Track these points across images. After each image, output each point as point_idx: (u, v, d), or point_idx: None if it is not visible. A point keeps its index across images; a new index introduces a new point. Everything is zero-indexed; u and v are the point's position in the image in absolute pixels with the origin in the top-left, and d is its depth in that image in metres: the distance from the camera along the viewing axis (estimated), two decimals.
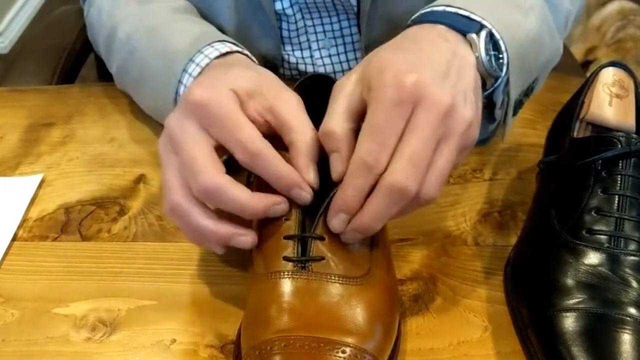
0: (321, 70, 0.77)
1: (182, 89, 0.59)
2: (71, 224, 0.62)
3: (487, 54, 0.50)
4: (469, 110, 0.46)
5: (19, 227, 0.62)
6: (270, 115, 0.49)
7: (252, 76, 0.51)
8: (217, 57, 0.58)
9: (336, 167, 0.47)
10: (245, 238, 0.48)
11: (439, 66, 0.47)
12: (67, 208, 0.64)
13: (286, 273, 0.46)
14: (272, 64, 0.78)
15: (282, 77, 0.79)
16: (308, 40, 0.76)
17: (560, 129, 0.59)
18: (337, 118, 0.48)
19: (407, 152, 0.44)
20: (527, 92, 0.60)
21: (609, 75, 0.59)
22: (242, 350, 0.46)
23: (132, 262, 0.58)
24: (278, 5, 0.72)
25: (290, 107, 0.50)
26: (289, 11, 0.73)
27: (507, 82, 0.53)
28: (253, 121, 0.48)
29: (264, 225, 0.49)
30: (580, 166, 0.52)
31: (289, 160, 0.48)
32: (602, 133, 0.56)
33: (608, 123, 0.57)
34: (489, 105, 0.55)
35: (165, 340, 0.51)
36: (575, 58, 1.05)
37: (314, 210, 0.48)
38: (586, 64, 1.82)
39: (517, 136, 0.69)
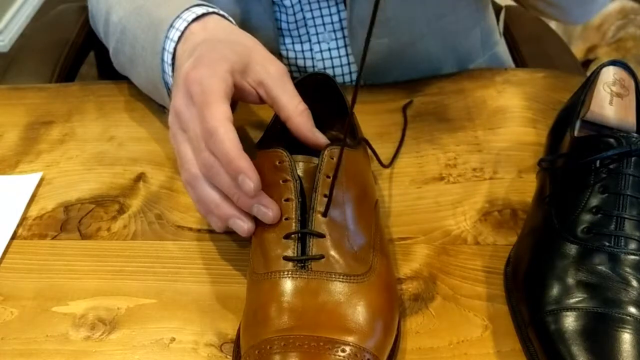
0: (320, 65, 0.77)
1: (166, 55, 0.60)
2: (71, 222, 0.62)
3: None
4: None
5: (19, 225, 0.62)
6: (261, 89, 0.55)
7: (240, 51, 0.55)
8: (195, 20, 0.59)
9: None
10: (242, 224, 0.51)
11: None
12: (67, 206, 0.64)
13: (286, 272, 0.46)
14: None
15: None
16: (307, 33, 0.76)
17: (560, 128, 0.59)
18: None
19: None
20: None
21: (609, 74, 0.59)
22: (241, 349, 0.46)
23: (132, 261, 0.58)
24: None
25: (278, 82, 0.55)
26: (287, 2, 0.72)
27: None
28: (248, 95, 0.55)
29: (264, 224, 0.49)
30: (581, 165, 0.52)
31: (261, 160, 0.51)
32: (603, 132, 0.56)
33: (609, 122, 0.57)
34: None
35: (164, 338, 0.51)
36: (575, 57, 1.05)
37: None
38: (587, 63, 1.82)
39: (518, 135, 0.69)
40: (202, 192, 0.52)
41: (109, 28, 0.70)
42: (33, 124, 0.74)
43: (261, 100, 0.56)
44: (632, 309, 0.46)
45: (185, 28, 0.59)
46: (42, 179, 0.67)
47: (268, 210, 0.49)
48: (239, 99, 0.57)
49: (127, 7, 0.68)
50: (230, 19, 0.63)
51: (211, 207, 0.52)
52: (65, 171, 0.68)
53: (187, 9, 0.61)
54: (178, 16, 0.60)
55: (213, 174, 0.50)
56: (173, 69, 0.60)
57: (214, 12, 0.61)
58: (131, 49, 0.66)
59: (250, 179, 0.48)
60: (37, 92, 0.80)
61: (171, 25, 0.60)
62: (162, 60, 0.61)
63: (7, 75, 0.91)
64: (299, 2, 0.73)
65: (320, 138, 0.54)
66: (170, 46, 0.60)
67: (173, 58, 0.60)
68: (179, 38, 0.59)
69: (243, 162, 0.48)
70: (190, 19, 0.59)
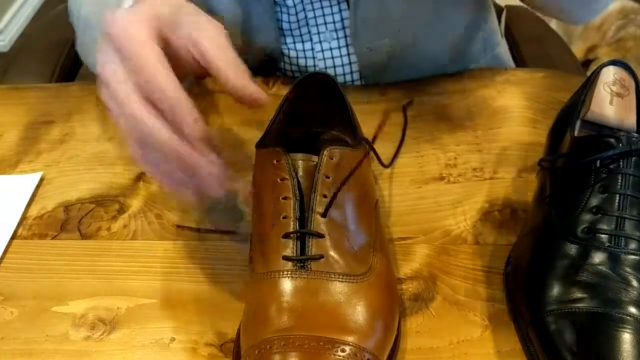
0: (321, 64, 0.77)
1: None
2: (71, 222, 0.62)
3: None
4: None
5: (19, 225, 0.62)
6: (194, 49, 0.49)
7: (174, 5, 0.50)
8: None
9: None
10: (212, 167, 0.47)
11: None
12: (67, 206, 0.64)
13: (285, 272, 0.46)
14: (272, 57, 0.78)
15: (282, 72, 0.79)
16: (309, 32, 0.76)
17: (561, 128, 0.59)
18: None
19: None
20: None
21: (609, 74, 0.59)
22: (241, 349, 0.46)
23: (132, 261, 0.58)
24: None
25: (212, 42, 0.49)
26: (290, 2, 0.72)
27: None
28: (177, 50, 0.49)
29: (263, 224, 0.49)
30: (581, 165, 0.52)
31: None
32: (603, 132, 0.56)
33: (609, 122, 0.57)
34: None
35: (164, 338, 0.51)
36: (575, 57, 1.05)
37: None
38: (587, 63, 1.82)
39: (518, 135, 0.69)
40: (152, 120, 0.46)
41: (80, 22, 0.68)
42: (33, 123, 0.74)
43: (195, 62, 0.49)
44: (632, 309, 0.46)
45: None
46: (42, 179, 0.67)
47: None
48: (170, 59, 0.49)
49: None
50: None
51: (168, 149, 0.45)
52: (65, 171, 0.68)
53: None
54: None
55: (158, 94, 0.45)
56: None
57: None
58: (86, 30, 0.65)
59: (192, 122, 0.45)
60: (37, 91, 0.80)
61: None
62: None
63: (7, 75, 0.91)
64: (301, 1, 0.73)
65: (261, 95, 0.49)
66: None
67: None
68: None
69: (186, 105, 0.45)
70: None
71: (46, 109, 0.76)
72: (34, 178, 0.66)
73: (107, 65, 0.47)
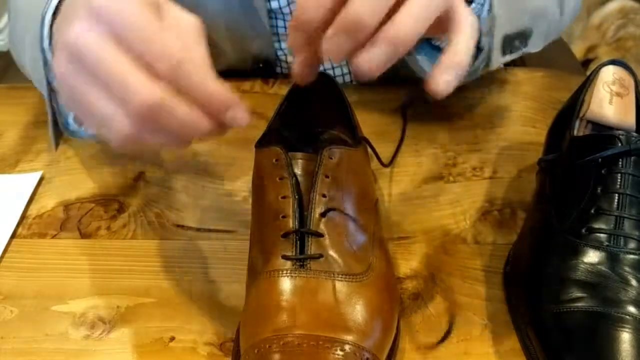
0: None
1: (48, 13, 0.49)
2: (70, 221, 0.62)
3: None
4: None
5: (18, 224, 0.62)
6: None
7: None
8: None
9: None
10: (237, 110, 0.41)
11: None
12: (67, 205, 0.64)
13: (285, 271, 0.46)
14: (268, 63, 0.78)
15: (280, 75, 0.79)
16: None
17: (560, 127, 0.59)
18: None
19: None
20: (520, 38, 0.61)
21: (609, 74, 0.59)
22: (241, 348, 0.46)
23: (131, 260, 0.58)
24: (274, 4, 0.72)
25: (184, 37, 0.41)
26: (286, 9, 0.72)
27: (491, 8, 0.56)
28: None
29: (263, 223, 0.49)
30: (580, 165, 0.52)
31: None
32: (602, 131, 0.56)
33: (608, 121, 0.57)
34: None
35: (164, 337, 0.51)
36: (575, 56, 1.05)
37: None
38: (586, 63, 1.82)
39: (517, 134, 0.69)
40: (175, 107, 0.38)
41: (11, 13, 0.63)
42: (33, 123, 0.74)
43: None
44: (632, 308, 0.46)
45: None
46: (41, 178, 0.67)
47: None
48: None
49: None
50: None
51: (188, 119, 0.39)
52: (65, 170, 0.68)
53: None
54: None
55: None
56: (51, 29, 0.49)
57: None
58: (20, 30, 0.59)
59: (240, 110, 0.40)
60: (36, 91, 0.79)
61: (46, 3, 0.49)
62: (42, 23, 0.49)
63: (7, 74, 0.90)
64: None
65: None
66: (53, 3, 0.48)
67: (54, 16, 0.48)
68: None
69: (229, 94, 0.40)
70: None
71: (46, 109, 0.76)
72: (34, 177, 0.66)
73: (88, 34, 0.38)
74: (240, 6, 0.71)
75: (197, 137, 0.41)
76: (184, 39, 0.40)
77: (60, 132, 0.57)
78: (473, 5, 0.57)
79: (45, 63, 0.52)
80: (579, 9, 0.77)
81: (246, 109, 0.41)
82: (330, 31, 0.38)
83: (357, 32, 0.38)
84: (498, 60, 0.60)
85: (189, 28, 0.41)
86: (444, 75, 0.41)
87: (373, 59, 0.39)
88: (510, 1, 0.59)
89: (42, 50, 0.51)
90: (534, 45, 0.66)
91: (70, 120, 0.56)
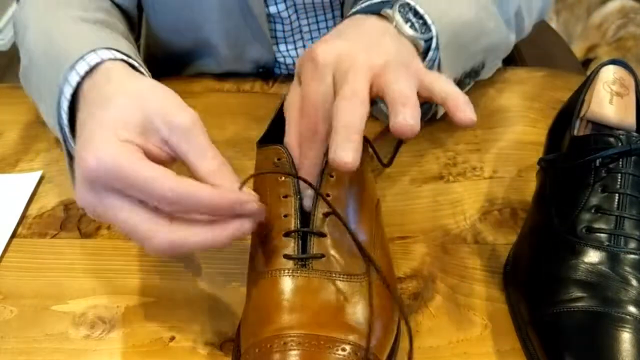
0: None
1: (63, 102, 0.52)
2: (70, 220, 0.62)
3: (406, 21, 0.53)
4: (392, 52, 0.49)
5: (18, 224, 0.62)
6: (168, 148, 0.46)
7: (136, 108, 0.46)
8: (89, 72, 0.51)
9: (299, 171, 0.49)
10: (246, 224, 0.44)
11: (351, 33, 0.51)
12: (67, 205, 0.64)
13: (286, 271, 0.46)
14: (266, 67, 0.78)
15: (279, 75, 0.79)
16: (302, 39, 0.76)
17: (560, 127, 0.59)
18: (288, 133, 0.50)
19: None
20: (471, 74, 0.63)
21: (609, 74, 0.59)
22: (241, 348, 0.45)
23: (131, 259, 0.58)
24: (273, 9, 0.72)
25: (183, 138, 0.45)
26: (285, 14, 0.72)
27: (440, 61, 0.56)
28: (157, 157, 0.45)
29: (264, 222, 0.49)
30: (581, 164, 0.52)
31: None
32: (603, 131, 0.56)
33: (608, 121, 0.57)
34: None
35: (164, 337, 0.51)
36: (575, 56, 1.05)
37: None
38: (587, 62, 1.82)
39: (517, 134, 0.69)
40: (195, 242, 0.43)
41: (23, 47, 0.64)
42: (33, 122, 0.74)
43: (173, 159, 0.47)
44: (632, 308, 0.46)
45: (78, 85, 0.51)
46: (42, 178, 0.67)
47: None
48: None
49: (40, 30, 0.61)
50: (136, 61, 0.54)
51: (208, 239, 0.44)
52: (65, 170, 0.67)
53: (86, 54, 0.52)
54: (72, 67, 0.52)
55: (189, 207, 0.43)
56: (71, 117, 0.53)
57: (112, 59, 0.52)
58: (37, 80, 0.60)
59: (250, 202, 0.44)
60: None
61: (65, 79, 0.52)
62: (59, 104, 0.53)
63: (8, 74, 0.90)
64: (295, 12, 0.73)
65: (240, 195, 0.44)
66: (67, 92, 0.52)
67: (73, 106, 0.53)
68: (82, 78, 0.51)
69: (231, 195, 0.44)
70: (82, 72, 0.51)
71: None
72: (34, 177, 0.66)
73: (90, 200, 0.44)
74: (239, 12, 0.71)
75: (227, 242, 0.44)
76: (181, 150, 0.45)
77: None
78: (424, 63, 0.55)
79: (65, 139, 0.55)
80: (548, 8, 0.78)
81: (256, 200, 0.45)
82: (400, 114, 0.43)
83: (412, 104, 0.43)
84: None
85: (184, 132, 0.45)
86: (468, 111, 0.45)
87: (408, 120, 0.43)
88: (459, 49, 0.58)
89: (62, 129, 0.54)
90: (486, 74, 0.68)
91: None
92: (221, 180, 0.45)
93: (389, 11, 0.53)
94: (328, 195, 0.48)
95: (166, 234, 0.43)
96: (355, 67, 0.46)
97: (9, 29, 2.36)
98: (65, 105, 0.52)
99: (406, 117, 0.42)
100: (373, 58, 0.47)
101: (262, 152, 0.52)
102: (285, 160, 0.50)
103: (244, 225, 0.44)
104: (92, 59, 0.51)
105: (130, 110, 0.46)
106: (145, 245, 0.43)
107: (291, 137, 0.49)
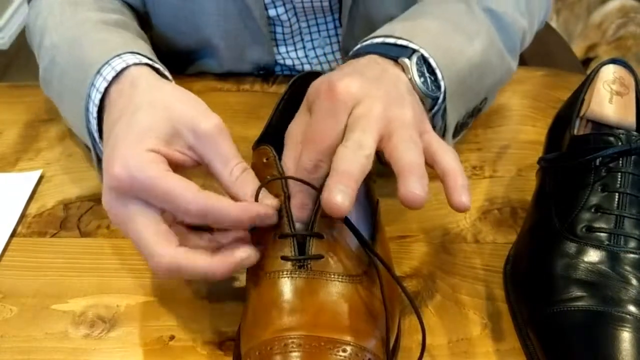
0: (317, 69, 0.77)
1: (91, 106, 0.55)
2: (70, 220, 0.62)
3: (420, 76, 0.52)
4: (408, 110, 0.48)
5: (18, 223, 0.62)
6: (192, 153, 0.48)
7: (162, 116, 0.47)
8: (116, 77, 0.53)
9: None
10: (248, 251, 0.46)
11: (371, 76, 0.50)
12: (66, 204, 0.64)
13: (285, 272, 0.46)
14: (266, 68, 0.78)
15: (278, 76, 0.79)
16: (302, 40, 0.76)
17: (560, 127, 0.59)
18: (287, 157, 0.50)
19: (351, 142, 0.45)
20: (474, 113, 0.62)
21: (609, 73, 0.59)
22: (241, 350, 0.45)
23: (131, 259, 0.58)
24: (272, 13, 0.72)
25: (208, 144, 0.47)
26: (284, 17, 0.72)
27: (445, 109, 0.56)
28: (182, 163, 0.47)
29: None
30: (581, 163, 0.52)
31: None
32: (603, 130, 0.56)
33: (608, 120, 0.57)
34: None
35: (164, 336, 0.51)
36: (575, 55, 1.05)
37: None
38: (587, 62, 1.82)
39: (517, 133, 0.69)
40: (191, 265, 0.45)
41: (41, 51, 0.65)
42: (33, 121, 0.74)
43: (197, 164, 0.49)
44: (632, 308, 0.46)
45: (106, 90, 0.53)
46: (41, 177, 0.67)
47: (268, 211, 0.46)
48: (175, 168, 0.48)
49: (61, 34, 0.63)
50: (159, 65, 0.56)
51: (210, 273, 0.46)
52: (65, 169, 0.68)
53: (111, 59, 0.54)
54: (99, 72, 0.54)
55: (211, 220, 0.46)
56: (99, 121, 0.55)
57: (137, 64, 0.54)
58: (59, 83, 0.62)
59: (269, 212, 0.46)
60: (36, 89, 0.79)
61: (92, 84, 0.54)
62: (87, 109, 0.55)
63: (7, 73, 0.91)
64: (295, 14, 0.73)
65: (260, 209, 0.46)
66: (96, 98, 0.54)
67: (100, 110, 0.55)
68: (101, 99, 0.54)
69: (251, 207, 0.46)
70: (109, 77, 0.53)
71: (46, 107, 0.76)
72: (34, 176, 0.66)
73: (127, 221, 0.46)
74: (239, 15, 0.71)
75: (228, 273, 0.46)
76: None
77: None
78: (429, 115, 0.55)
79: (94, 145, 0.57)
80: (548, 16, 0.77)
81: (272, 208, 0.47)
82: (410, 185, 0.44)
83: (421, 175, 0.45)
84: (450, 142, 0.60)
85: (209, 139, 0.47)
86: (463, 196, 0.46)
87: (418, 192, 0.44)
88: (464, 94, 0.58)
89: (90, 134, 0.56)
90: (488, 105, 0.67)
91: None
92: (243, 189, 0.47)
93: (406, 61, 0.52)
94: None
95: (166, 257, 0.45)
96: (370, 117, 0.46)
97: (9, 28, 2.36)
98: (94, 110, 0.54)
99: (416, 188, 0.43)
100: (389, 113, 0.47)
101: (255, 153, 0.52)
102: (272, 160, 0.50)
103: (250, 257, 0.46)
104: (118, 65, 0.53)
105: (156, 119, 0.47)
106: (148, 262, 0.46)
107: (290, 161, 0.49)
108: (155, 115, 0.48)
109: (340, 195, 0.42)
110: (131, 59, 0.54)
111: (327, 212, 0.43)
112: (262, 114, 0.69)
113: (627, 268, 0.48)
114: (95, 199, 0.64)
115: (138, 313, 0.53)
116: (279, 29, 0.74)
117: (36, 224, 0.62)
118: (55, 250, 0.59)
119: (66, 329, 0.53)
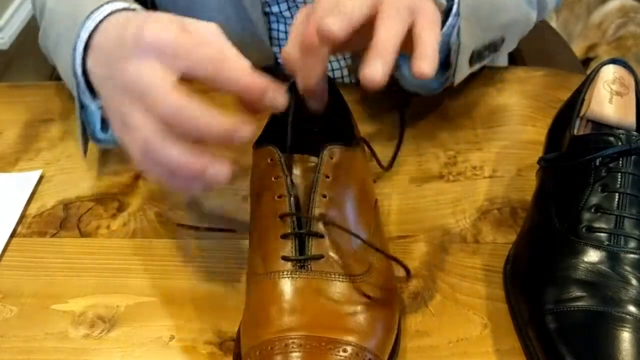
0: None
1: (79, 44, 0.53)
2: (70, 220, 0.62)
3: None
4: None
5: (18, 223, 0.62)
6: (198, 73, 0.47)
7: (171, 18, 0.48)
8: (107, 16, 0.52)
9: (299, 83, 0.51)
10: (221, 167, 0.44)
11: None
12: (66, 204, 0.64)
13: (285, 272, 0.46)
14: (267, 68, 0.78)
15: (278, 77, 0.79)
16: None
17: (560, 127, 0.59)
18: (291, 43, 0.51)
19: None
20: (491, 47, 0.65)
21: (609, 73, 0.59)
22: (242, 350, 0.45)
23: (131, 259, 0.58)
24: (275, 9, 0.72)
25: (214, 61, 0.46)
26: (287, 13, 0.72)
27: (460, 29, 0.59)
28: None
29: (261, 224, 0.49)
30: (581, 164, 0.52)
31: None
32: (603, 130, 0.56)
33: (608, 120, 0.57)
34: (444, 49, 0.60)
35: (164, 336, 0.51)
36: (575, 55, 1.05)
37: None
38: (587, 61, 1.82)
39: (517, 133, 0.69)
40: (161, 153, 0.44)
41: (44, 11, 0.65)
42: (33, 121, 0.74)
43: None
44: (632, 308, 0.46)
45: (104, 18, 0.52)
46: (41, 177, 0.67)
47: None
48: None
49: None
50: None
51: (176, 166, 0.44)
52: (65, 169, 0.68)
53: (103, 4, 0.53)
54: (89, 17, 0.53)
55: (183, 119, 0.44)
56: (83, 58, 0.54)
57: (124, 9, 0.53)
58: (56, 35, 0.61)
59: (278, 92, 0.46)
60: (36, 89, 0.80)
61: (88, 17, 0.53)
62: (74, 49, 0.54)
63: (7, 73, 0.90)
64: (297, 11, 0.73)
65: (271, 84, 0.46)
66: (84, 34, 0.53)
67: (86, 48, 0.53)
68: (96, 27, 0.52)
69: (263, 80, 0.45)
70: (101, 17, 0.52)
71: (46, 107, 0.76)
72: (34, 176, 0.66)
73: (148, 69, 0.45)
74: (237, 16, 0.71)
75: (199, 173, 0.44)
76: (213, 45, 0.46)
77: (87, 140, 0.61)
78: (444, 29, 0.58)
79: (78, 85, 0.56)
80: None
81: (281, 91, 0.47)
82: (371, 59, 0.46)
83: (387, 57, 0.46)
84: (463, 74, 0.64)
85: (213, 35, 0.48)
86: (427, 62, 0.46)
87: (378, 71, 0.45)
88: (479, 21, 0.61)
89: (75, 75, 0.55)
90: (507, 49, 0.70)
91: (97, 130, 0.60)
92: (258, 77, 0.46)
93: None
94: (325, 196, 0.48)
95: (173, 97, 0.43)
96: None
97: (9, 28, 2.36)
98: (80, 47, 0.53)
99: (376, 69, 0.45)
100: None
101: (257, 153, 0.52)
102: (277, 161, 0.50)
103: (222, 169, 0.44)
104: (108, 9, 0.53)
105: (165, 22, 0.47)
106: (155, 108, 0.44)
107: (292, 48, 0.50)
108: (164, 19, 0.47)
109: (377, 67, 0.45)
110: (122, 5, 0.53)
111: (366, 85, 0.45)
112: (262, 115, 0.69)
113: (627, 268, 0.48)
114: (95, 199, 0.64)
115: (138, 313, 0.53)
116: (281, 27, 0.74)
117: (36, 224, 0.62)
118: (55, 250, 0.59)
119: (66, 329, 0.53)
